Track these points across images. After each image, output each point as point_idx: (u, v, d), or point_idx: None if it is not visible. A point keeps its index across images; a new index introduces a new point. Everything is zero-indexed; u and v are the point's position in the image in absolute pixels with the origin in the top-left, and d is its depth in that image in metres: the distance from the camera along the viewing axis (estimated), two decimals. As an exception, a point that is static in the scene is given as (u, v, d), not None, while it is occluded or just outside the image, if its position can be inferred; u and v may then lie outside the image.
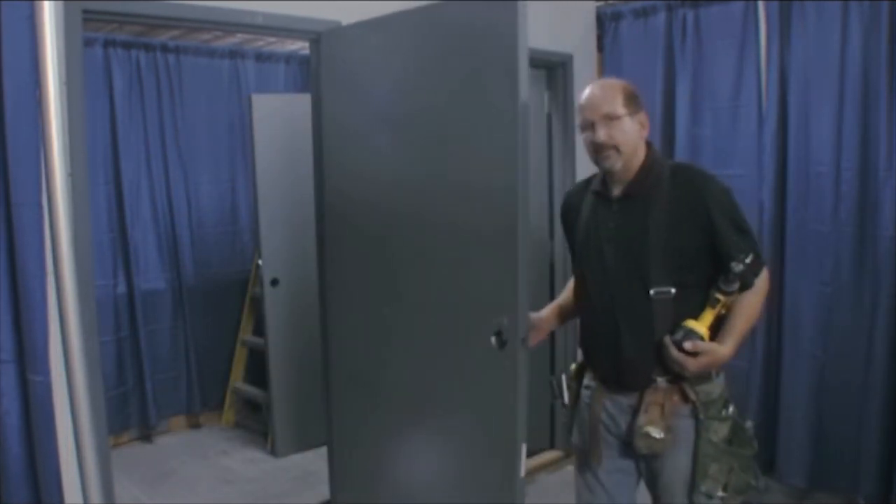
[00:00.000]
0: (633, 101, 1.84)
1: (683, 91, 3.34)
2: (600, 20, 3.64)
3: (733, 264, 1.73)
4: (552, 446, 3.67)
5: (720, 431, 1.80)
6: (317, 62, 2.58)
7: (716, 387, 1.83)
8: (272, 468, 3.78)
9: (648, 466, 1.89)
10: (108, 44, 3.90)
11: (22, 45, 1.81)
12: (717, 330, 1.80)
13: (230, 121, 4.37)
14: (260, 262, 3.81)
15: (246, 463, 3.86)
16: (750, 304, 1.80)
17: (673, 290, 1.78)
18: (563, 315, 2.18)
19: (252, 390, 4.26)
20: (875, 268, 2.78)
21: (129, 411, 4.04)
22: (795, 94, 2.99)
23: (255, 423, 4.33)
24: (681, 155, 3.36)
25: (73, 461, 1.94)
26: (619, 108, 1.81)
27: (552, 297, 3.60)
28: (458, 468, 2.29)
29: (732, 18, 3.17)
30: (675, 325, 1.78)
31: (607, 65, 3.64)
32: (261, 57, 4.45)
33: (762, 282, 1.81)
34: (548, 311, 2.18)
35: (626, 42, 3.55)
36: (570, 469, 3.59)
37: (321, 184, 2.65)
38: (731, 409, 1.84)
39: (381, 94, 2.38)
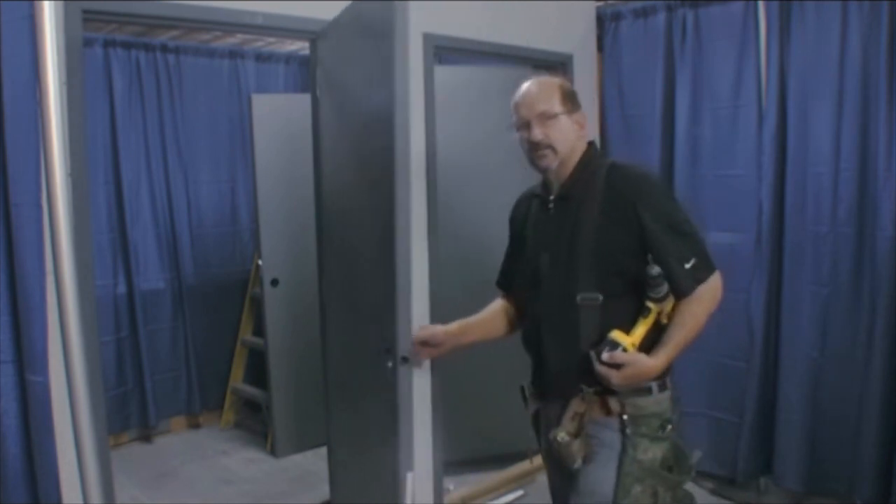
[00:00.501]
0: (570, 100, 1.78)
1: (683, 91, 3.34)
2: (600, 20, 3.64)
3: (649, 267, 1.63)
4: (552, 446, 3.66)
5: (651, 451, 1.69)
6: (314, 62, 2.59)
7: (652, 403, 1.71)
8: (272, 468, 3.78)
9: (571, 478, 1.79)
10: (108, 44, 3.90)
11: (22, 44, 1.81)
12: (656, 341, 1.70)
13: (230, 121, 4.37)
14: (260, 262, 3.81)
15: (246, 463, 3.86)
16: (691, 314, 1.67)
17: (601, 297, 1.68)
18: (469, 334, 2.06)
19: (252, 390, 4.26)
20: (874, 269, 2.78)
21: (129, 411, 4.04)
22: (795, 94, 2.99)
23: (255, 423, 4.33)
24: (681, 155, 3.36)
25: (72, 462, 1.94)
26: (556, 106, 1.75)
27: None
28: (375, 490, 2.19)
29: (732, 18, 3.17)
30: (603, 336, 1.68)
31: (607, 65, 3.64)
32: (261, 57, 4.45)
33: (710, 290, 1.68)
34: (453, 326, 2.06)
35: (626, 42, 3.55)
36: (569, 469, 3.60)
37: (320, 184, 2.65)
38: (667, 429, 1.71)
39: (351, 92, 2.37)
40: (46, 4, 1.80)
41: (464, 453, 3.39)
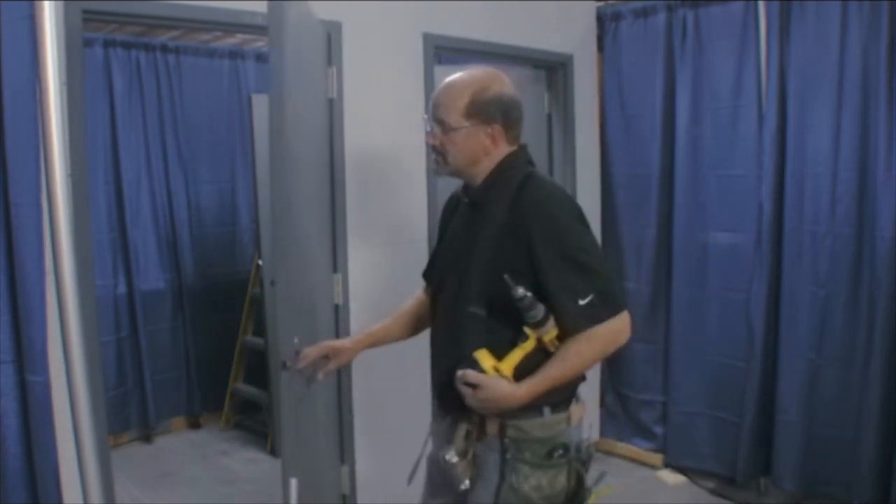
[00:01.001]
0: (482, 111, 1.62)
1: (683, 91, 3.34)
2: (600, 20, 3.64)
3: (513, 289, 1.49)
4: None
5: (533, 479, 1.57)
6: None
7: (538, 426, 1.58)
8: (272, 468, 3.78)
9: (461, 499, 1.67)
10: (108, 44, 3.90)
11: (21, 44, 1.81)
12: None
13: (230, 121, 4.37)
14: (260, 262, 3.81)
15: (246, 463, 3.86)
16: (577, 353, 1.53)
17: (485, 314, 1.57)
18: (378, 342, 1.94)
19: (252, 390, 4.25)
20: (872, 270, 2.77)
21: (129, 411, 4.04)
22: (795, 94, 3.00)
23: (255, 424, 4.33)
24: (681, 155, 3.36)
25: (73, 462, 1.94)
26: (457, 118, 1.61)
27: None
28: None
29: (732, 18, 3.17)
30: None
31: (607, 65, 3.65)
32: (261, 57, 4.45)
33: (608, 333, 1.54)
34: (360, 336, 1.96)
35: (626, 42, 3.55)
36: (570, 469, 3.60)
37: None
38: (555, 456, 1.58)
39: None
40: (46, 4, 1.79)
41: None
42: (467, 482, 1.62)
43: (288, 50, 1.88)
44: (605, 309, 1.53)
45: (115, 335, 3.95)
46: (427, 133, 1.69)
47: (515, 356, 1.55)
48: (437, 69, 2.99)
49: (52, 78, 1.83)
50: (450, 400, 1.63)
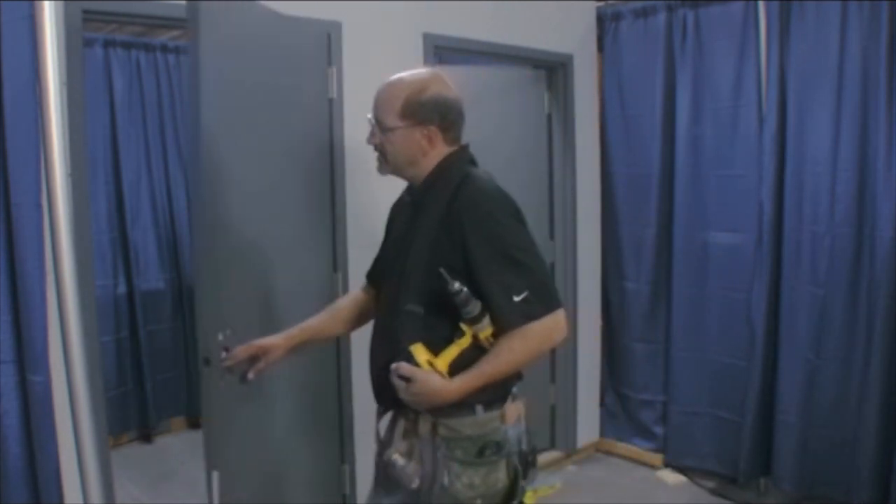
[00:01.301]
0: (417, 112, 1.62)
1: (683, 91, 3.34)
2: (600, 20, 3.64)
3: (449, 283, 1.49)
4: (552, 446, 3.67)
5: (465, 477, 1.57)
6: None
7: (469, 424, 1.58)
8: (272, 468, 3.78)
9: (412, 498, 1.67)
10: (108, 44, 3.90)
11: (22, 44, 1.81)
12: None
13: (230, 121, 4.37)
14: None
15: (246, 463, 3.86)
16: (510, 349, 1.54)
17: (422, 311, 1.58)
18: (312, 338, 1.92)
19: (252, 390, 4.25)
20: (872, 270, 2.77)
21: (129, 411, 4.04)
22: (795, 94, 3.00)
23: (255, 424, 4.32)
24: (681, 155, 3.36)
25: (73, 462, 1.94)
26: (393, 119, 1.63)
27: (552, 297, 3.60)
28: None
29: (732, 19, 3.17)
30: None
31: (607, 65, 3.65)
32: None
33: (542, 330, 1.54)
34: (294, 331, 1.90)
35: (626, 42, 3.55)
36: (570, 469, 3.60)
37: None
38: (486, 454, 1.58)
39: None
40: (46, 4, 1.79)
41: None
42: (417, 481, 1.62)
43: (205, 43, 1.90)
44: (539, 306, 1.53)
45: (115, 335, 3.94)
46: (370, 132, 1.71)
47: (451, 352, 1.56)
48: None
49: (52, 78, 1.83)
50: (387, 396, 1.63)
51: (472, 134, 3.45)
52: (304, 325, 1.91)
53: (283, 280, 2.35)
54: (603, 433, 3.79)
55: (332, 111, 2.61)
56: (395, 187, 1.85)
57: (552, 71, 3.53)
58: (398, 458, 1.62)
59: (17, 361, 1.86)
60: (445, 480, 1.57)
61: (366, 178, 2.73)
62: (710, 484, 3.34)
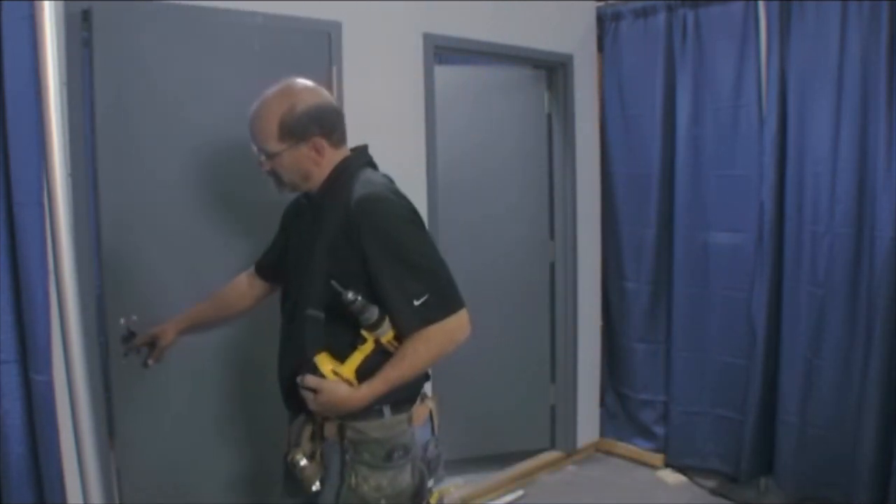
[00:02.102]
0: (294, 131, 1.61)
1: (684, 91, 3.34)
2: (600, 20, 3.64)
3: (343, 293, 1.52)
4: (552, 446, 3.67)
5: (372, 480, 1.58)
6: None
7: (376, 427, 1.60)
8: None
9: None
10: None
11: (24, 44, 1.81)
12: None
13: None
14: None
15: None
16: (413, 351, 1.55)
17: (323, 316, 1.59)
18: (195, 323, 1.98)
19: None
20: (872, 270, 2.77)
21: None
22: (795, 94, 3.00)
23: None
24: (682, 155, 3.36)
25: (76, 462, 1.94)
26: (275, 144, 1.61)
27: (552, 298, 3.61)
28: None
29: (732, 19, 3.18)
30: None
31: (607, 65, 3.65)
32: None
33: (443, 332, 1.56)
34: (180, 316, 1.98)
35: (626, 42, 3.55)
36: (570, 469, 3.60)
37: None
38: (394, 457, 1.59)
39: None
40: (46, 4, 1.80)
41: (464, 453, 3.39)
42: (318, 483, 1.64)
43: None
44: (440, 309, 1.55)
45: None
46: (259, 161, 1.69)
47: (356, 359, 1.58)
48: (437, 69, 2.99)
49: (52, 78, 1.83)
50: (294, 401, 1.65)
51: (473, 134, 3.51)
52: (190, 310, 2.01)
53: (191, 269, 2.29)
54: (603, 433, 3.79)
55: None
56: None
57: (552, 71, 3.53)
58: (300, 459, 1.64)
59: (20, 361, 1.86)
60: (353, 483, 1.59)
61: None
62: (711, 484, 3.34)
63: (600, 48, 3.67)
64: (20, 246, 1.83)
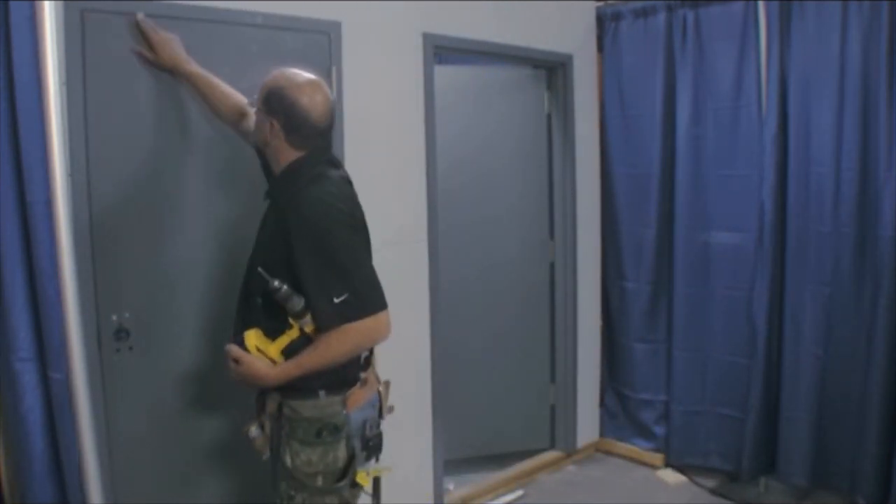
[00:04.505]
0: (268, 102, 1.75)
1: (684, 91, 3.34)
2: (600, 20, 3.64)
3: (269, 282, 1.64)
4: (552, 446, 3.67)
5: (303, 455, 1.70)
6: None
7: (310, 407, 1.71)
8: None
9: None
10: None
11: (27, 45, 1.82)
12: None
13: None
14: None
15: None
16: (326, 344, 1.66)
17: (260, 301, 1.72)
18: (195, 84, 2.11)
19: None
20: (875, 269, 2.79)
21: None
22: (795, 94, 3.00)
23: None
24: (682, 155, 3.36)
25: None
26: (258, 100, 1.78)
27: (552, 298, 3.61)
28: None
29: (732, 18, 3.18)
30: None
31: (607, 65, 3.65)
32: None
33: (358, 332, 1.65)
34: (194, 66, 2.11)
35: (626, 42, 3.56)
36: (570, 468, 3.61)
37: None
38: (322, 434, 1.70)
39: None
40: (46, 4, 1.80)
41: (464, 453, 3.39)
42: (268, 452, 1.81)
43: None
44: (358, 308, 1.64)
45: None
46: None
47: (282, 341, 1.71)
48: (437, 69, 2.99)
49: (51, 78, 1.83)
50: None
51: (472, 134, 3.51)
52: (209, 77, 2.11)
53: (184, 265, 2.30)
54: (603, 433, 3.79)
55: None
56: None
57: (552, 71, 3.53)
58: (252, 431, 1.81)
59: (38, 359, 1.87)
60: (287, 458, 1.72)
61: (364, 178, 2.73)
62: (711, 483, 3.34)
63: (600, 48, 3.67)
64: (34, 244, 1.85)
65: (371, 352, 1.86)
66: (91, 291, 2.03)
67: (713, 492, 3.29)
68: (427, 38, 2.90)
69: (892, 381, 2.73)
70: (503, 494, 3.32)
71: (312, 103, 1.73)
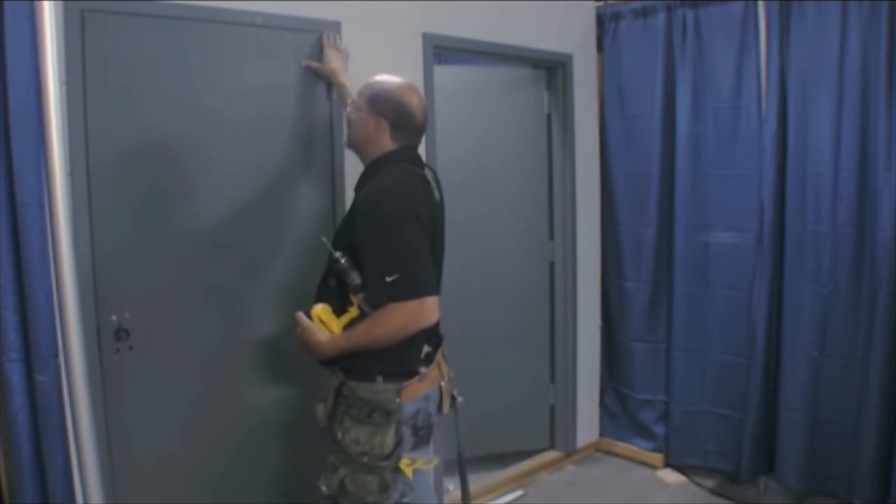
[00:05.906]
0: (372, 102, 1.91)
1: (683, 91, 3.35)
2: (600, 20, 3.64)
3: (333, 253, 1.83)
4: (552, 446, 3.67)
5: (352, 432, 1.82)
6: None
7: (366, 390, 1.82)
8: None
9: None
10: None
11: (27, 45, 1.81)
12: None
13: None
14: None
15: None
16: (373, 321, 1.78)
17: (335, 282, 1.87)
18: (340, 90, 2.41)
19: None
20: (873, 269, 2.78)
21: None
22: (795, 94, 3.00)
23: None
24: (682, 155, 3.37)
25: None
26: (362, 101, 1.93)
27: (552, 298, 3.61)
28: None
29: (732, 18, 3.18)
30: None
31: (607, 65, 3.65)
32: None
33: (403, 312, 1.74)
34: (344, 77, 2.43)
35: (626, 42, 3.56)
36: (570, 468, 3.61)
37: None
38: (373, 416, 1.80)
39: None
40: (46, 4, 1.80)
41: (464, 453, 3.39)
42: (325, 424, 1.92)
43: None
44: (406, 289, 1.73)
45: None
46: (347, 109, 2.06)
47: (344, 319, 1.87)
48: (437, 69, 2.99)
49: (51, 78, 1.83)
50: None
51: (472, 134, 3.50)
52: (350, 88, 2.29)
53: (183, 265, 2.30)
54: (602, 433, 3.80)
55: (332, 111, 2.61)
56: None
57: (552, 71, 3.53)
58: (319, 403, 1.94)
59: (25, 360, 1.87)
60: (339, 432, 1.84)
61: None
62: (711, 483, 3.34)
63: (600, 48, 3.67)
64: (24, 246, 1.84)
65: (436, 348, 1.97)
66: (91, 291, 2.03)
67: (712, 492, 3.29)
68: (427, 37, 2.90)
69: (891, 381, 2.73)
70: (503, 494, 3.32)
71: (417, 103, 1.93)
